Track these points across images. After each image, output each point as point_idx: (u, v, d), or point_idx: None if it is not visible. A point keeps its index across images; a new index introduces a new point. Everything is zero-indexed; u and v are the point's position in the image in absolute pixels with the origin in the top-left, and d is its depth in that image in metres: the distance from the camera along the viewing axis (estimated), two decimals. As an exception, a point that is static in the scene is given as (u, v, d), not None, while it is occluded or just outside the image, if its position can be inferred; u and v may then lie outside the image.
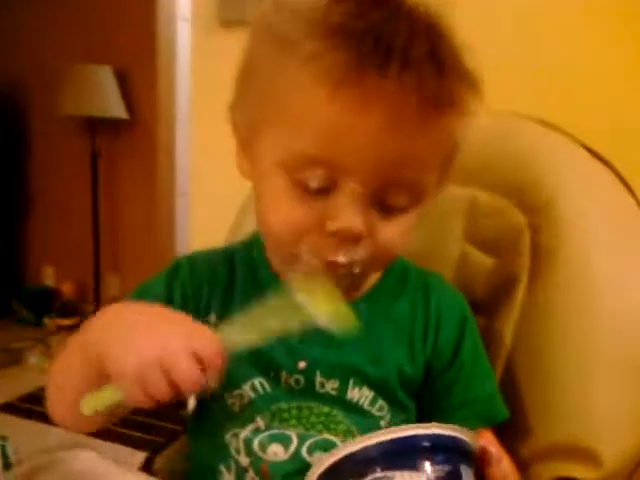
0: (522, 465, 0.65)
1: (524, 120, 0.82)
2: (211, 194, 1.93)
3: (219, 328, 0.52)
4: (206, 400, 0.65)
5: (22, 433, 1.94)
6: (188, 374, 0.48)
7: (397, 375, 0.63)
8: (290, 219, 0.55)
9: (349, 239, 0.53)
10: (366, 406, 0.63)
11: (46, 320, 3.18)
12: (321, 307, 0.51)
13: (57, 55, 3.23)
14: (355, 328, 0.52)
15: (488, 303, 0.76)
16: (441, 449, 0.43)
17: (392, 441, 0.42)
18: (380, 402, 0.63)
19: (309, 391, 0.62)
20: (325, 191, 0.53)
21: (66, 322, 3.12)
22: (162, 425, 2.02)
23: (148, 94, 2.93)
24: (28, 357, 2.78)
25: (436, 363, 0.65)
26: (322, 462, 0.44)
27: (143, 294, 0.67)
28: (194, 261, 0.69)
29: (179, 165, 2.80)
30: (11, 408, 2.30)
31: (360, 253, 0.54)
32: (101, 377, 0.50)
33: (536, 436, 0.66)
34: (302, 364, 0.62)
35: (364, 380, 0.62)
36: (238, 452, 0.62)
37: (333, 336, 0.56)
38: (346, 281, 0.56)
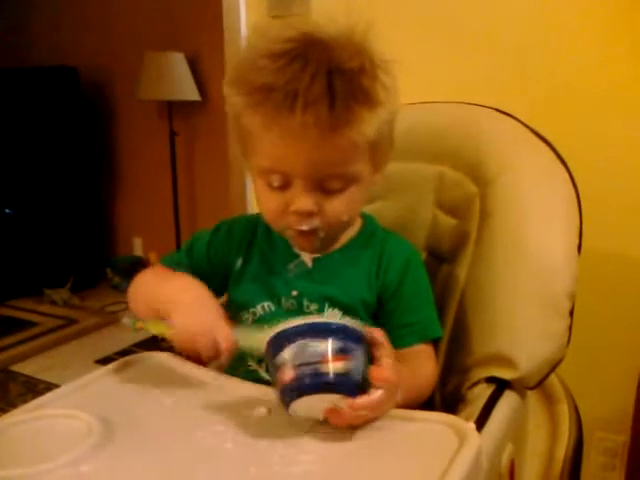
0: (465, 369, 0.89)
1: (482, 109, 1.02)
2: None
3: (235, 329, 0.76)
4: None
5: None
6: (205, 351, 0.75)
7: (360, 301, 0.86)
8: (268, 207, 0.83)
9: (305, 214, 0.78)
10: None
11: (135, 286, 3.51)
12: None
13: (136, 44, 3.47)
14: None
15: (451, 253, 0.99)
16: (341, 331, 0.66)
17: (314, 323, 0.67)
18: (346, 319, 0.84)
19: (299, 311, 0.86)
20: (284, 187, 0.79)
21: (153, 287, 3.44)
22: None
23: (217, 77, 3.18)
24: (121, 318, 3.13)
25: (384, 294, 0.87)
26: (272, 330, 0.67)
27: (193, 244, 0.96)
28: (232, 225, 0.96)
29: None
30: (108, 361, 2.62)
31: (316, 222, 0.79)
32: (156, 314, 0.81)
33: (476, 349, 0.89)
34: (295, 292, 0.87)
35: (335, 304, 0.86)
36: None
37: (316, 275, 0.85)
38: (319, 241, 0.83)
